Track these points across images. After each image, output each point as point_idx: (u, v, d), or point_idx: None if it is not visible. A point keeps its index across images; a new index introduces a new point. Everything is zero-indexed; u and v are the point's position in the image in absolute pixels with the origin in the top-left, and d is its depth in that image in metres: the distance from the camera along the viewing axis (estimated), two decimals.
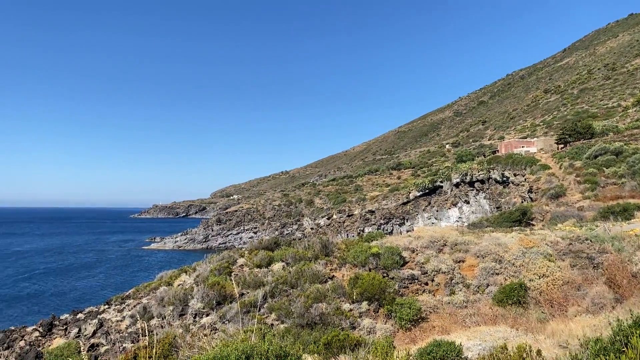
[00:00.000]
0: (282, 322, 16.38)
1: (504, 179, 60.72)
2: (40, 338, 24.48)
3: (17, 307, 52.82)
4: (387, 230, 68.01)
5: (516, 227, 32.41)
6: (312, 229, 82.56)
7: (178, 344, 10.20)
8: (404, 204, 71.83)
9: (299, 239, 33.37)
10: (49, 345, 22.76)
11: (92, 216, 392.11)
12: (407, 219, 69.80)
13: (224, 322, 17.27)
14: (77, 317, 27.19)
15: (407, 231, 59.27)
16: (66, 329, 24.53)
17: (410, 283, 18.95)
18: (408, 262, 20.74)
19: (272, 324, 16.34)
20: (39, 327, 25.77)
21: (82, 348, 19.50)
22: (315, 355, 9.84)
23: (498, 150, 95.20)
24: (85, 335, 21.94)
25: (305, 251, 22.75)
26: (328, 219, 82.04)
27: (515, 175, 60.90)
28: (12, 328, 28.12)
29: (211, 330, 15.44)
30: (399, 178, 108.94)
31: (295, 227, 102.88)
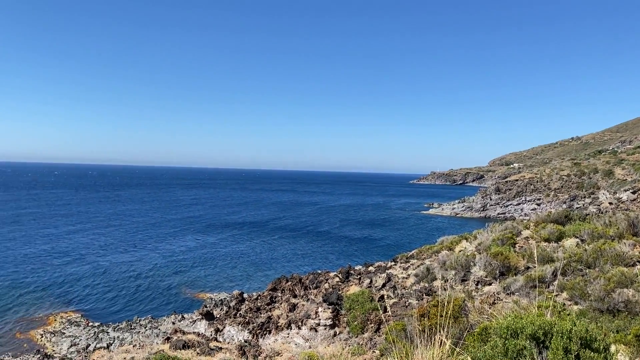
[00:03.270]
0: (576, 304, 14.86)
1: None
2: (339, 283, 28.56)
3: (336, 250, 67.15)
4: None
5: None
6: (610, 203, 71.49)
7: (467, 308, 10.41)
8: None
9: (595, 214, 29.42)
10: (347, 290, 26.33)
11: (379, 181, 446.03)
12: None
13: (507, 294, 16.75)
14: (368, 269, 30.67)
15: None
16: (360, 278, 27.94)
17: None
18: None
19: (563, 304, 15.01)
20: (339, 273, 30.12)
21: (373, 297, 21.92)
22: (623, 346, 8.61)
23: None
24: (376, 287, 24.53)
25: (605, 228, 19.92)
26: (633, 192, 69.60)
27: None
28: (319, 272, 33.68)
29: (495, 300, 15.21)
30: None
31: (588, 200, 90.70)
